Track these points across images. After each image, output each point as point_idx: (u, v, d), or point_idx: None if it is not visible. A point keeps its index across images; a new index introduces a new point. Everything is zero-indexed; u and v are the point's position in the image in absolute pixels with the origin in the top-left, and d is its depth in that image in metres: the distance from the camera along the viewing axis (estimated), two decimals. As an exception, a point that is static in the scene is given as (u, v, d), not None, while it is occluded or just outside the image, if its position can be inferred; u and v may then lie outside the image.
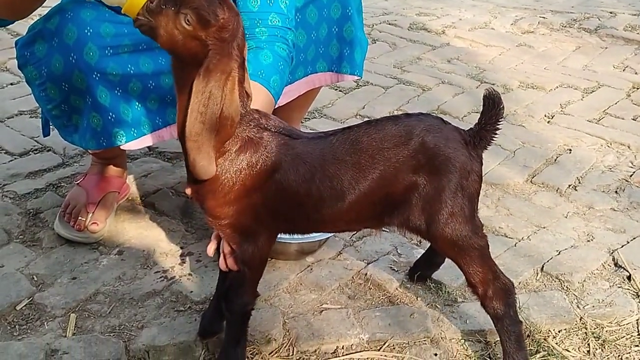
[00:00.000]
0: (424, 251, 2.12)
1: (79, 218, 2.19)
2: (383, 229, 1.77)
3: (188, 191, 1.66)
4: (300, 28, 2.14)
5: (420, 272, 2.05)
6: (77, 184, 2.30)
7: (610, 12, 4.71)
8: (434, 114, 1.90)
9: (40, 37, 1.94)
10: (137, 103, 2.00)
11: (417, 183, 1.60)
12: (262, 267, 1.72)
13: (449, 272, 2.05)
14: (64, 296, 1.97)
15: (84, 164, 2.61)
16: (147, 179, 2.54)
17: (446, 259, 1.99)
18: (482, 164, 1.66)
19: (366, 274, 2.09)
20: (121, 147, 2.02)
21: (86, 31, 1.89)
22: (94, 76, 1.91)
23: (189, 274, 2.07)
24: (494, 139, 1.66)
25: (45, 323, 1.88)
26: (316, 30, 2.20)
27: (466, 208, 1.63)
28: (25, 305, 1.93)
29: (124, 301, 1.96)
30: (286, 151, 1.58)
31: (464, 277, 2.03)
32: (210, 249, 1.79)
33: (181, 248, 2.20)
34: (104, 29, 1.92)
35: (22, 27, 2.63)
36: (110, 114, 1.96)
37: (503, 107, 1.64)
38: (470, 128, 1.68)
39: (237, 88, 1.49)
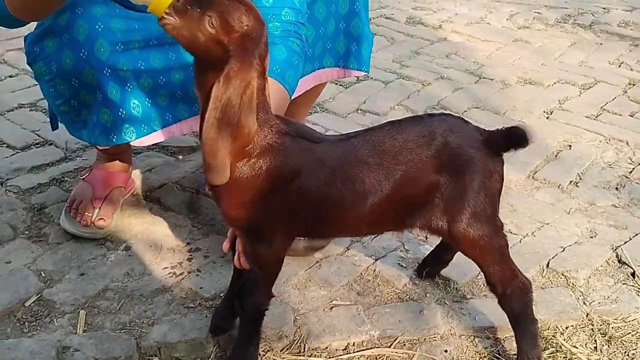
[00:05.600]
0: (430, 247, 2.14)
1: (86, 213, 2.18)
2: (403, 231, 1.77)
3: (207, 188, 1.66)
4: (308, 23, 2.14)
5: (429, 269, 2.06)
6: (83, 179, 2.29)
7: (604, 8, 4.72)
8: (445, 112, 1.90)
9: (50, 33, 1.93)
10: (147, 99, 1.99)
11: (440, 183, 1.61)
12: (277, 269, 1.72)
13: (456, 269, 2.07)
14: (73, 292, 1.96)
15: (87, 159, 2.60)
16: (151, 174, 2.53)
17: (455, 256, 2.01)
18: (503, 164, 1.67)
19: (375, 270, 2.10)
20: (131, 143, 2.01)
21: (97, 27, 1.88)
22: (104, 72, 1.90)
23: (198, 270, 2.07)
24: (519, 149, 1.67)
25: (55, 320, 1.87)
26: (324, 26, 2.20)
27: (488, 208, 1.64)
28: (34, 302, 1.93)
29: (134, 297, 1.96)
30: (306, 156, 1.58)
31: (472, 274, 2.09)
32: (226, 245, 1.80)
33: (188, 244, 2.19)
34: (114, 24, 1.91)
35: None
36: (121, 109, 1.95)
37: (527, 145, 1.64)
38: (495, 129, 1.68)
39: (255, 98, 1.48)
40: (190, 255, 2.14)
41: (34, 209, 2.30)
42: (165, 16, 1.44)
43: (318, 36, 2.20)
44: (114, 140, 1.99)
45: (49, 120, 2.28)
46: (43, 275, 2.02)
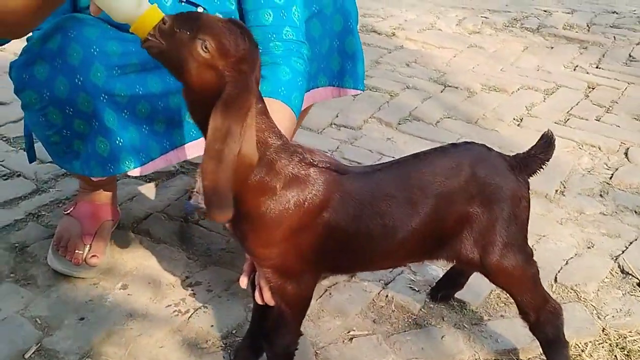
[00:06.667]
0: (437, 268, 2.10)
1: (76, 251, 2.04)
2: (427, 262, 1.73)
3: (227, 225, 1.57)
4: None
5: (443, 292, 2.01)
6: (67, 214, 2.14)
7: (545, 11, 4.81)
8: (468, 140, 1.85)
9: (40, 58, 1.77)
10: (145, 125, 1.87)
11: (469, 215, 1.57)
12: (306, 307, 1.64)
13: (470, 290, 2.03)
14: (75, 340, 1.83)
15: (61, 189, 2.45)
16: (133, 203, 2.40)
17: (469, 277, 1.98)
18: (529, 189, 1.65)
19: (387, 296, 2.04)
20: (128, 173, 1.88)
21: (92, 50, 1.75)
22: (101, 98, 1.77)
23: (204, 306, 1.97)
24: (541, 168, 1.66)
25: (61, 371, 1.74)
26: (319, 45, 2.12)
27: (519, 236, 1.61)
28: (34, 353, 1.79)
29: (141, 341, 1.84)
30: (334, 188, 1.51)
31: (484, 294, 2.05)
32: (243, 281, 1.71)
33: (187, 277, 2.08)
34: (110, 47, 1.78)
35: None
36: (118, 138, 1.82)
37: (554, 148, 1.65)
38: (516, 154, 1.67)
39: (254, 124, 1.40)
40: (192, 290, 2.03)
41: (15, 249, 2.14)
42: (149, 38, 1.35)
43: (313, 55, 2.12)
44: (111, 170, 1.86)
45: (22, 150, 2.13)
46: (39, 322, 1.88)
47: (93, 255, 2.04)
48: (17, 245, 2.15)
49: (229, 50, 1.34)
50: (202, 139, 1.91)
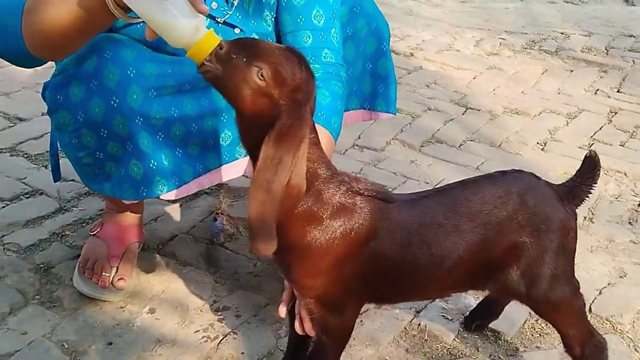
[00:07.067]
0: (470, 297, 2.06)
1: (103, 274, 2.00)
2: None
3: (270, 255, 1.53)
4: (340, 65, 2.04)
5: (478, 322, 1.97)
6: (94, 235, 2.10)
7: (562, 33, 4.78)
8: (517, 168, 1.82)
9: (75, 79, 1.74)
10: (178, 148, 1.83)
11: (517, 245, 1.53)
12: (347, 338, 1.61)
13: (504, 319, 1.98)
14: (104, 365, 1.79)
15: (84, 208, 2.41)
16: (157, 224, 2.36)
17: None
18: (577, 220, 1.61)
19: (419, 325, 2.00)
20: (160, 197, 1.84)
21: (129, 72, 1.71)
22: (136, 121, 1.73)
23: (233, 332, 1.93)
24: (587, 197, 1.63)
25: (90, 399, 1.70)
26: (352, 67, 2.10)
27: (567, 269, 1.58)
28: (62, 379, 1.75)
29: (172, 368, 1.80)
30: (381, 217, 1.48)
31: (519, 323, 2.01)
32: (282, 310, 1.67)
33: (214, 302, 2.04)
34: (147, 69, 1.74)
35: None
36: (152, 161, 1.78)
37: (600, 170, 1.62)
38: (563, 183, 1.64)
39: (306, 155, 1.37)
40: (221, 315, 1.99)
41: (40, 270, 2.10)
42: (206, 63, 1.32)
43: (347, 77, 2.09)
44: (144, 194, 1.82)
45: (44, 168, 2.09)
46: (66, 346, 1.84)
47: (120, 278, 2.00)
48: (42, 266, 2.11)
49: (285, 79, 1.31)
50: (236, 162, 1.90)
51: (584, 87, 3.86)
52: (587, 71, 4.13)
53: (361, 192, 1.47)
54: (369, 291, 1.55)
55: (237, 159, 1.92)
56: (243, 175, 2.01)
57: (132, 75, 1.72)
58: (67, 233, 2.27)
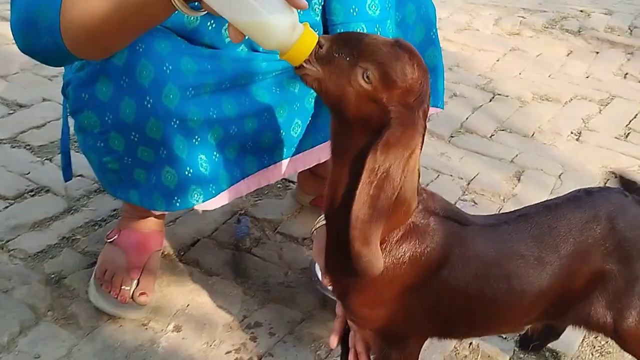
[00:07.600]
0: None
1: (122, 287, 1.81)
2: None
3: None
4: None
5: (537, 343, 1.80)
6: (110, 242, 1.90)
7: (581, 11, 4.58)
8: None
9: (103, 75, 1.51)
10: (215, 153, 1.61)
11: (604, 274, 1.35)
12: None
13: (562, 339, 1.81)
14: (129, 395, 1.61)
15: (94, 208, 2.20)
16: (177, 226, 2.16)
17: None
18: None
19: (471, 344, 1.82)
20: (195, 207, 1.64)
21: (164, 68, 1.49)
22: (172, 124, 1.51)
23: (269, 354, 1.75)
24: None
25: None
26: (398, 57, 1.89)
27: (661, 299, 1.40)
28: (82, 411, 1.56)
29: (203, 397, 1.62)
30: (456, 242, 1.29)
31: (577, 342, 1.84)
32: (333, 341, 1.49)
33: (245, 317, 1.86)
34: (184, 64, 1.52)
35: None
36: (188, 168, 1.57)
37: None
38: None
39: (417, 167, 1.19)
40: (253, 333, 1.81)
41: (51, 281, 1.90)
42: (305, 65, 1.14)
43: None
44: (177, 205, 1.61)
45: (48, 161, 1.89)
46: (85, 372, 1.65)
47: (142, 293, 1.81)
48: (53, 276, 1.92)
49: (394, 81, 1.13)
50: (276, 165, 1.70)
51: (612, 71, 3.68)
52: (612, 53, 3.94)
53: (436, 211, 1.28)
54: (436, 326, 1.37)
55: (277, 161, 1.72)
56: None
57: (168, 71, 1.50)
58: (77, 237, 2.07)
